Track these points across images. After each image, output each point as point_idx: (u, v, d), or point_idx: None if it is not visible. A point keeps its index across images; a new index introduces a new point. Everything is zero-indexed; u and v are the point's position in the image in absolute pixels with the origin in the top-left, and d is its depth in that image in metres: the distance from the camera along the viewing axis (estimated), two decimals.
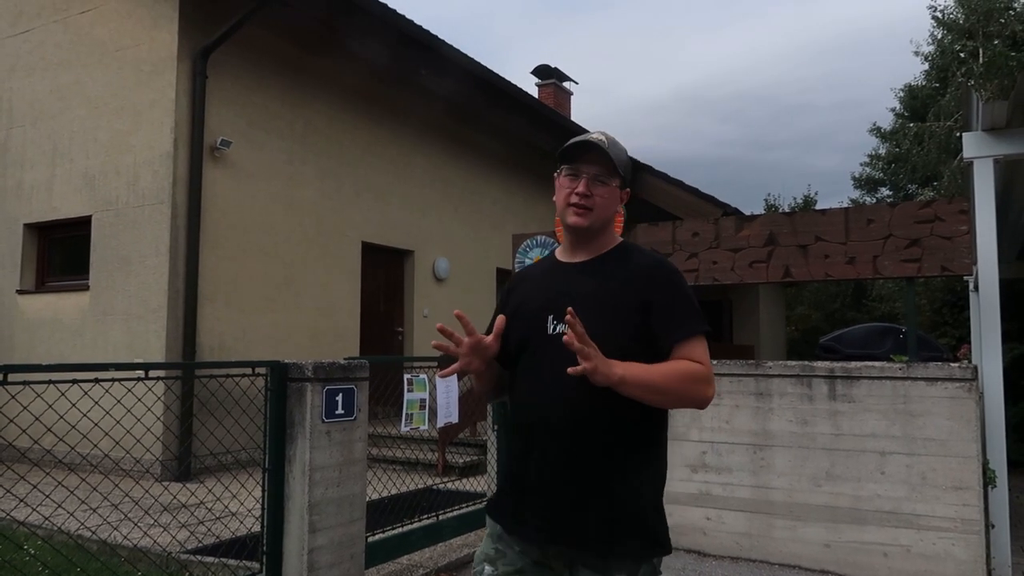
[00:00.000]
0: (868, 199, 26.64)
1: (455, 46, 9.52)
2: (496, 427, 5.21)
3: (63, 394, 3.07)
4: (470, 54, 9.92)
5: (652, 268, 1.89)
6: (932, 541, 4.46)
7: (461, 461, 7.39)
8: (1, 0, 8.91)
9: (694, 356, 1.78)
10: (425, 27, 9.05)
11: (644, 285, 1.84)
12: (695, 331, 1.81)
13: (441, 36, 9.27)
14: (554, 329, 1.85)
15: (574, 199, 1.90)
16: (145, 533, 4.27)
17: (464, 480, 6.82)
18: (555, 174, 1.97)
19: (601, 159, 1.89)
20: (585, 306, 1.77)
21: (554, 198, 1.99)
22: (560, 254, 2.03)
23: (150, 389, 4.18)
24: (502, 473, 1.97)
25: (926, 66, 24.08)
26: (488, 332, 1.92)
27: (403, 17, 8.67)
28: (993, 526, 4.72)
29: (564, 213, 1.93)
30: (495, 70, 10.48)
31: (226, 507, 5.24)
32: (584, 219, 1.90)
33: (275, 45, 8.33)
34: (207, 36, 7.46)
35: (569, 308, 1.67)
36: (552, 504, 1.80)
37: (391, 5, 8.56)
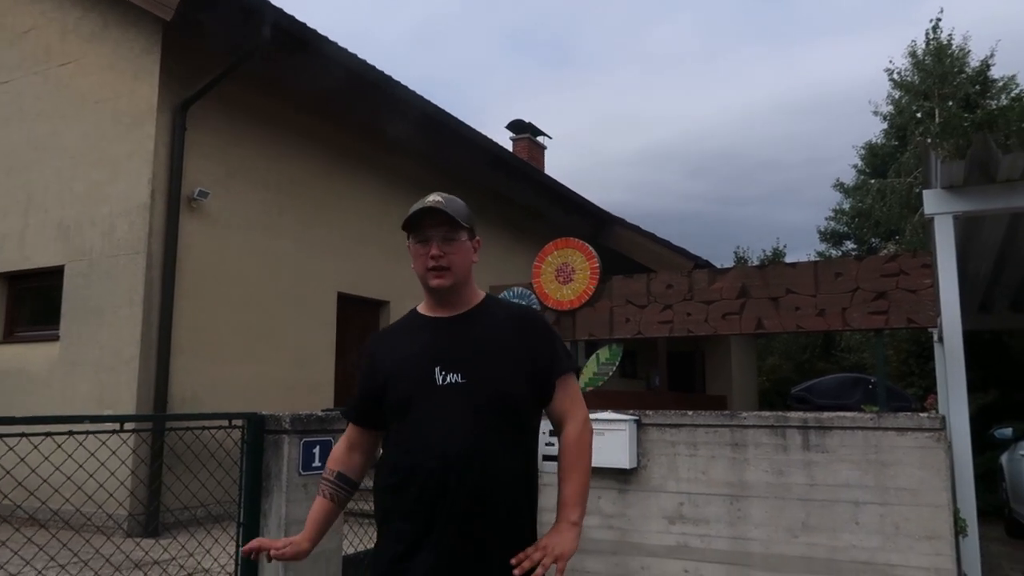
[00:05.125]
0: (834, 252, 27.24)
1: (431, 100, 9.74)
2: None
3: (36, 447, 3.02)
4: (453, 111, 10.16)
5: (529, 318, 2.12)
6: None
7: None
8: None
9: (570, 389, 2.08)
10: (404, 82, 9.26)
11: (526, 333, 2.05)
12: (570, 367, 2.12)
13: (423, 93, 9.49)
14: (443, 380, 1.96)
15: (430, 263, 2.01)
16: None
17: None
18: (407, 245, 2.06)
19: (444, 219, 2.01)
20: (479, 355, 1.97)
21: (412, 266, 2.07)
22: (425, 310, 2.12)
23: (125, 442, 4.13)
24: (392, 536, 1.99)
25: (885, 125, 25.02)
26: (361, 401, 2.12)
27: (380, 71, 8.87)
28: (965, 575, 4.77)
29: (425, 278, 2.03)
30: (475, 125, 10.73)
31: (199, 563, 5.12)
32: (445, 279, 2.01)
33: (254, 99, 8.44)
34: (188, 89, 7.55)
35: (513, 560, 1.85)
36: (468, 538, 1.89)
37: (374, 63, 8.76)
